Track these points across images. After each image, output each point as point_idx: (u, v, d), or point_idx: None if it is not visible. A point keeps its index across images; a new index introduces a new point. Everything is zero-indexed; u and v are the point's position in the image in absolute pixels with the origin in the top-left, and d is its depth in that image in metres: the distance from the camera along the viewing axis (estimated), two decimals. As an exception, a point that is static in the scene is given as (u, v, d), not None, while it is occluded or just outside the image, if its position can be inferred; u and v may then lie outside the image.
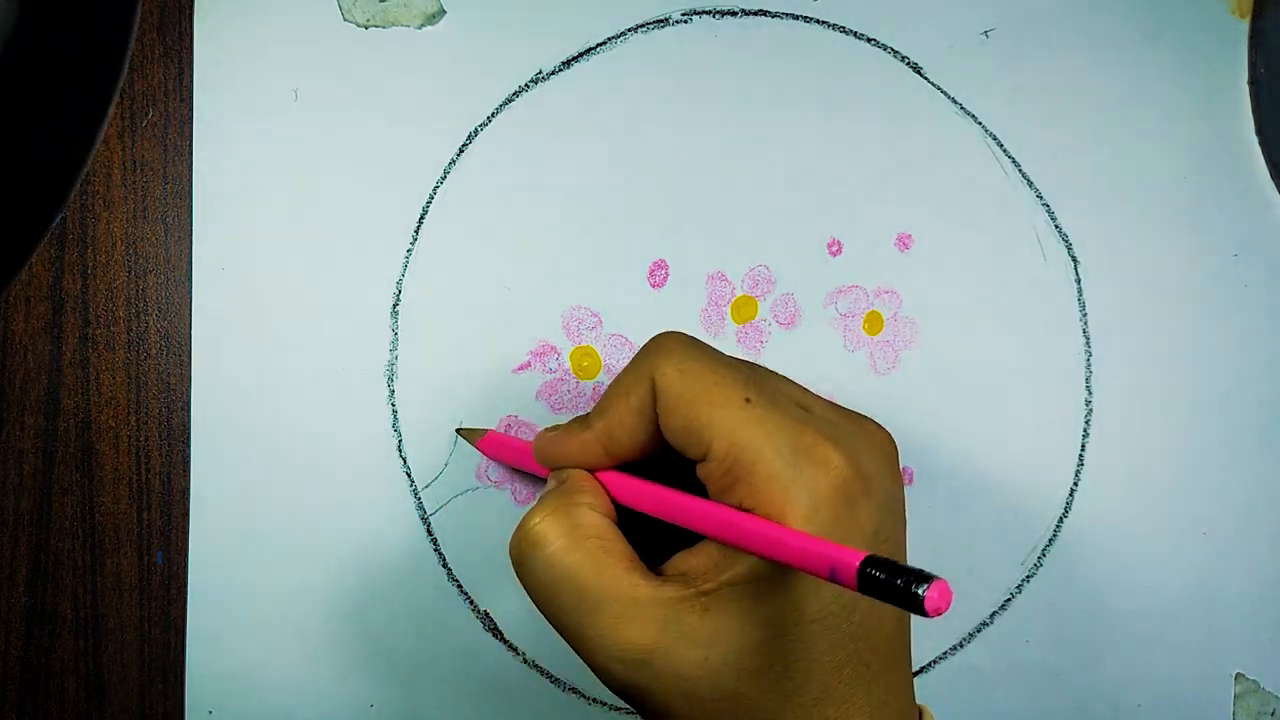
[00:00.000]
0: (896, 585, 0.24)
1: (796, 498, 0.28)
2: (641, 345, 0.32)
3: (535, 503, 0.32)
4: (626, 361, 0.39)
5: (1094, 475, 0.41)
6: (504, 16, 0.39)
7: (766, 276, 0.40)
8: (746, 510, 0.29)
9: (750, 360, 0.36)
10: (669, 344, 0.31)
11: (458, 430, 0.38)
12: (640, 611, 0.29)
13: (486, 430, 0.38)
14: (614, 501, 0.32)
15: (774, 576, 0.29)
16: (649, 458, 0.32)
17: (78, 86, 0.36)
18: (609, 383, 0.39)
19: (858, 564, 0.25)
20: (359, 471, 0.38)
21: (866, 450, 0.30)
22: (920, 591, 0.24)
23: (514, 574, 0.39)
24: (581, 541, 0.30)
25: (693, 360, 0.30)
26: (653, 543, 0.32)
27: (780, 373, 0.34)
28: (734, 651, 0.29)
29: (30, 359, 0.37)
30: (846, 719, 0.29)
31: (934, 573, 0.24)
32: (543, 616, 0.31)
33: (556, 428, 0.34)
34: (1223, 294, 0.41)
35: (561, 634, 0.31)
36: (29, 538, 0.37)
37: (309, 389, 0.38)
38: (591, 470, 0.33)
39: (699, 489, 0.31)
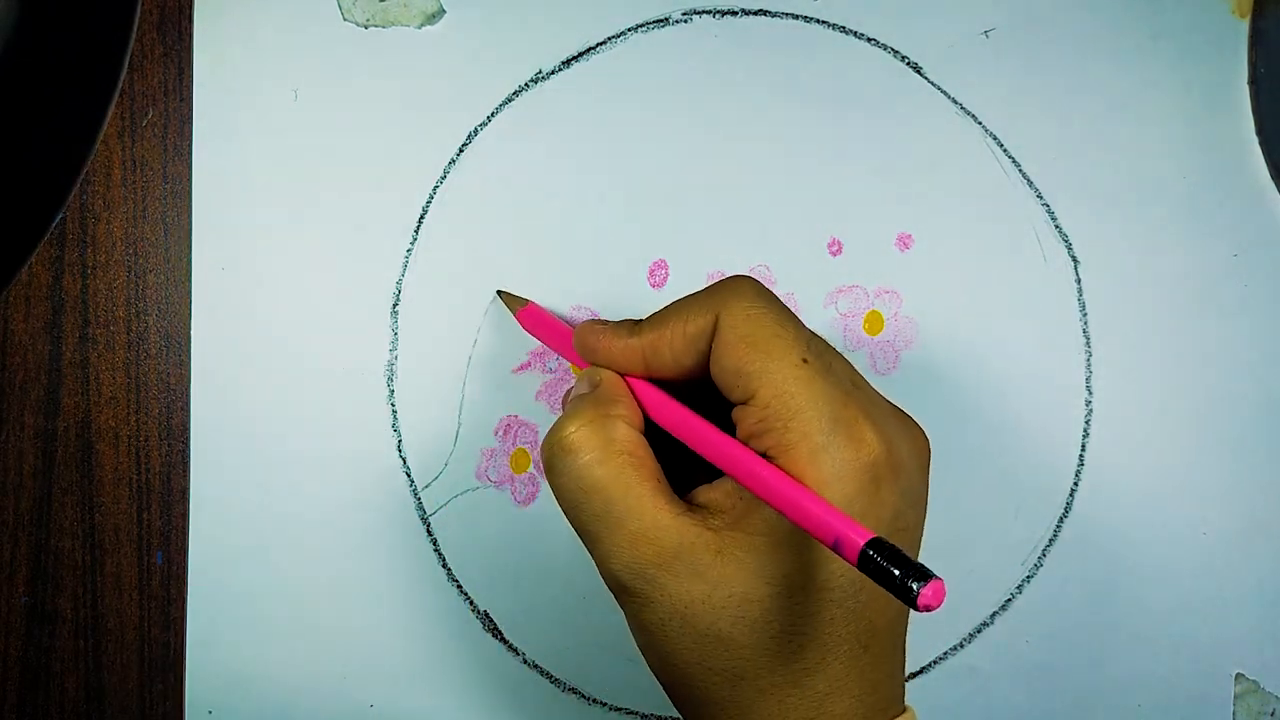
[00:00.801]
0: (893, 574, 0.25)
1: (822, 464, 0.29)
2: (713, 283, 0.32)
3: (569, 406, 0.32)
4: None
5: (1094, 475, 0.41)
6: (504, 16, 0.39)
7: (766, 276, 0.40)
8: (768, 459, 0.29)
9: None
10: (744, 286, 0.31)
11: (499, 293, 0.38)
12: (659, 535, 0.30)
13: (528, 301, 0.38)
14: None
15: (788, 537, 0.29)
16: (677, 383, 0.33)
17: (78, 86, 0.36)
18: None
19: (863, 542, 0.25)
20: (359, 471, 0.38)
21: (903, 441, 0.31)
22: (915, 586, 0.24)
23: (514, 571, 0.39)
24: (614, 455, 0.31)
25: (763, 308, 0.31)
26: (670, 460, 0.32)
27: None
28: (737, 598, 0.29)
29: (30, 359, 0.37)
30: (835, 696, 0.30)
31: (936, 573, 0.24)
32: (565, 517, 0.32)
33: (604, 322, 0.34)
34: (1223, 294, 0.41)
35: (580, 535, 0.31)
36: (29, 538, 0.37)
37: (309, 389, 0.38)
38: (624, 376, 0.33)
39: (719, 424, 0.31)
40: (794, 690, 0.30)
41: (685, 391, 0.32)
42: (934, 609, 0.24)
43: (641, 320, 0.33)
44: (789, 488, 0.28)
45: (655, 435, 0.32)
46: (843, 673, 0.30)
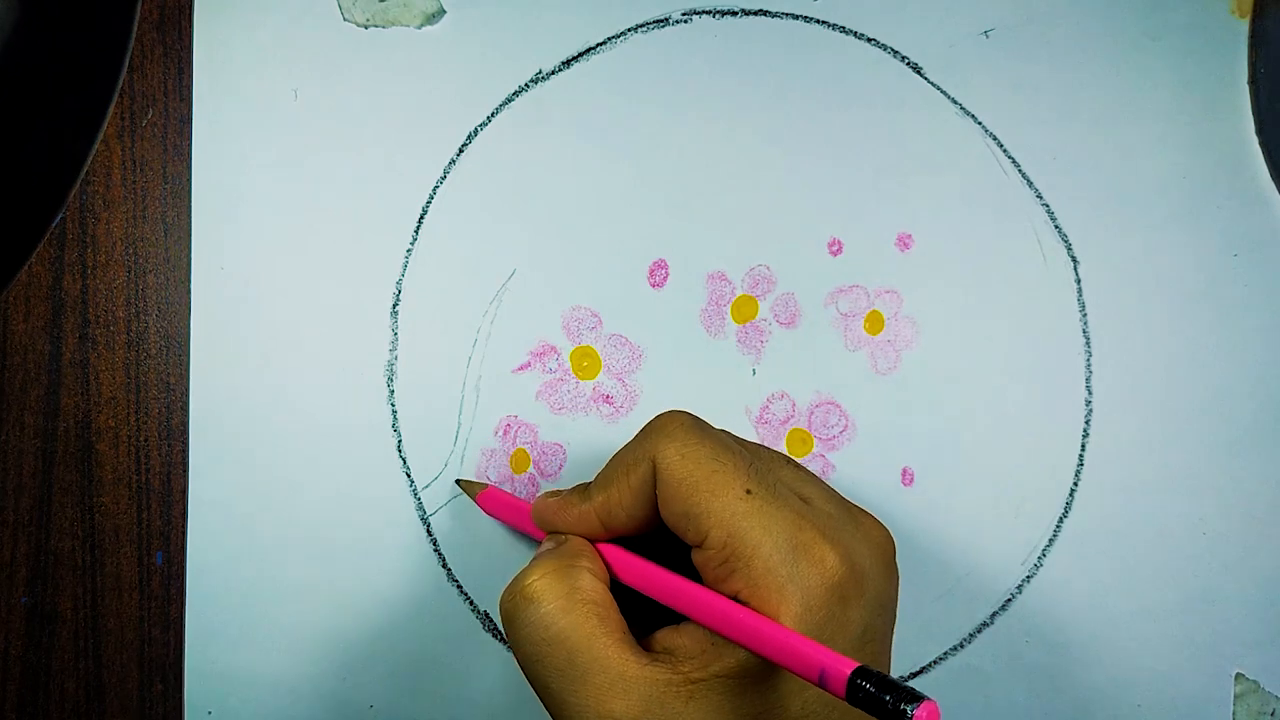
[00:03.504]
0: (885, 701, 0.24)
1: (791, 595, 0.28)
2: (645, 424, 0.32)
3: (532, 561, 0.32)
4: (626, 361, 0.39)
5: (1094, 475, 0.41)
6: (504, 16, 0.39)
7: (767, 276, 0.40)
8: (741, 602, 0.29)
9: (755, 442, 0.36)
10: (672, 425, 0.31)
11: (457, 481, 0.38)
12: (627, 687, 0.29)
13: (486, 485, 0.38)
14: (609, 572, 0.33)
15: (761, 672, 0.29)
16: (642, 536, 0.33)
17: (78, 86, 0.36)
18: (608, 382, 0.39)
19: (848, 673, 0.25)
20: (359, 471, 0.38)
21: (863, 547, 0.31)
22: (909, 710, 0.24)
23: (514, 571, 0.39)
24: (579, 604, 0.30)
25: (695, 445, 0.30)
26: (637, 608, 0.32)
27: (784, 454, 0.34)
28: None
29: (30, 359, 0.37)
30: None
31: (924, 693, 0.24)
32: (524, 676, 0.31)
33: (557, 493, 0.34)
34: (1223, 294, 0.41)
35: (542, 695, 0.30)
36: (29, 538, 0.37)
37: (309, 389, 0.38)
38: (589, 540, 0.33)
39: (686, 565, 0.31)
40: None
41: (654, 543, 0.32)
42: None
43: (589, 484, 0.33)
44: (764, 628, 0.28)
45: (615, 588, 0.32)
46: None
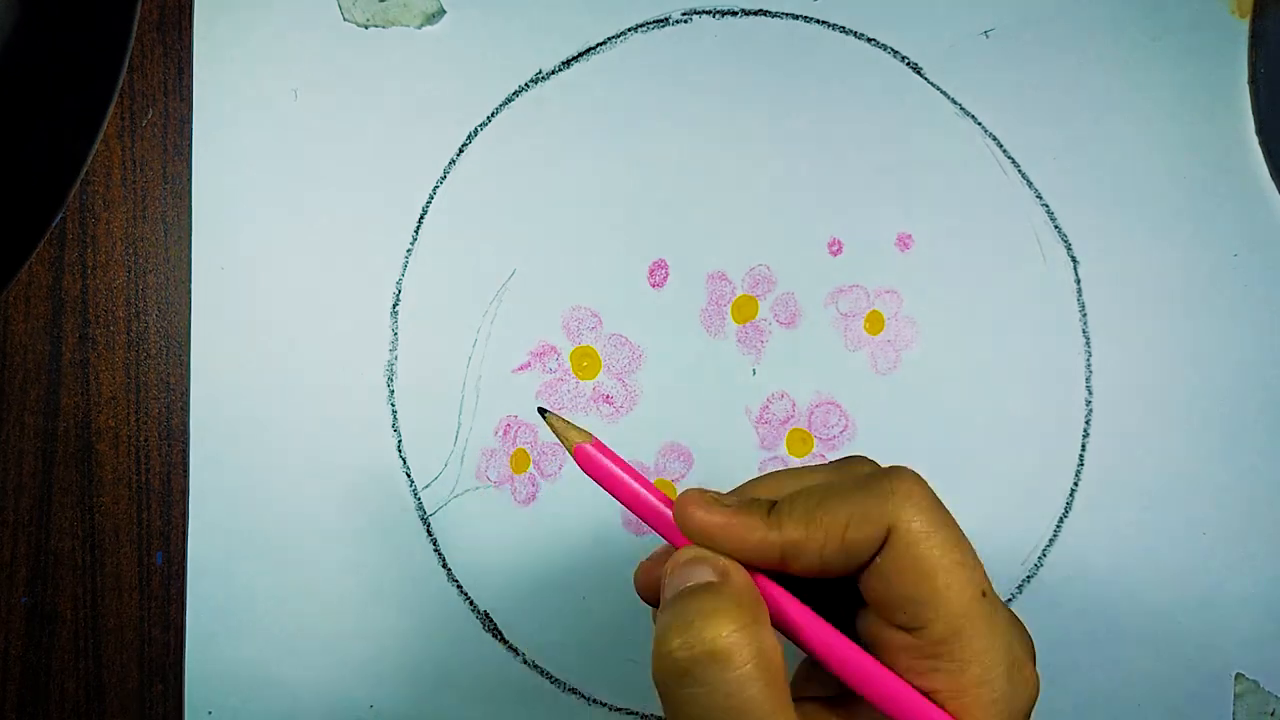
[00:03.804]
0: None
1: (1001, 714, 0.26)
2: (877, 476, 0.27)
3: (698, 598, 0.26)
4: (626, 361, 0.39)
5: (1094, 475, 0.41)
6: (504, 16, 0.39)
7: (767, 276, 0.40)
8: (937, 703, 0.26)
9: None
10: (917, 494, 0.27)
11: (540, 410, 0.29)
12: None
13: (591, 436, 0.28)
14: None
15: None
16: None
17: (78, 86, 0.36)
18: (608, 382, 0.39)
19: None
20: (359, 471, 0.38)
21: (1031, 657, 0.28)
22: None
23: (514, 571, 0.39)
24: (766, 670, 0.25)
25: (940, 525, 0.27)
26: None
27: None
28: None
29: (30, 359, 0.37)
30: None
31: None
32: None
33: (715, 498, 0.28)
34: (1223, 294, 0.41)
35: None
36: (29, 538, 0.37)
37: (309, 389, 0.38)
38: (749, 566, 0.27)
39: (802, 595, 0.27)
40: None
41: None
42: None
43: (769, 503, 0.27)
44: None
45: None
46: None
